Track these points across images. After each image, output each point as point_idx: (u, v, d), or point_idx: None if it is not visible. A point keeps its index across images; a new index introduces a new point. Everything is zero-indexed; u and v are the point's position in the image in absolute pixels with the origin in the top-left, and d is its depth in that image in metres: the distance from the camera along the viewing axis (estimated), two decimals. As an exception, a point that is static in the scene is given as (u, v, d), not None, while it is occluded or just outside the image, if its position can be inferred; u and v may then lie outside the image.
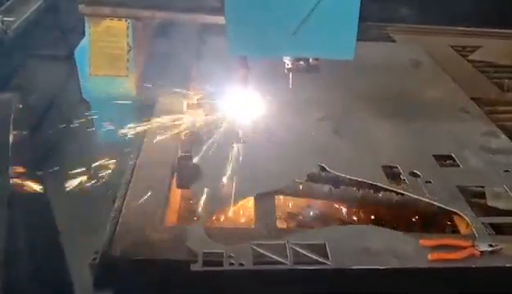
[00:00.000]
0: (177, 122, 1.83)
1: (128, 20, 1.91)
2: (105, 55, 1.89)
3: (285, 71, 1.58)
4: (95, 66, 1.89)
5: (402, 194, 1.55)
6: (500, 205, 1.53)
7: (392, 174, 1.66)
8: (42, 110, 2.47)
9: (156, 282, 1.27)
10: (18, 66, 3.11)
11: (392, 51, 2.76)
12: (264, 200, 1.49)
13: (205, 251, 1.25)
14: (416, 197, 1.52)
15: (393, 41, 2.93)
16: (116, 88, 1.94)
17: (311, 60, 1.70)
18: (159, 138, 1.75)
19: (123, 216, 1.39)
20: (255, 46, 1.52)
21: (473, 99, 2.22)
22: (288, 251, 1.26)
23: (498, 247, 1.29)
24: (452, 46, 2.86)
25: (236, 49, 1.53)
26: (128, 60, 1.93)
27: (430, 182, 1.59)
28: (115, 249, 1.27)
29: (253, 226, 1.41)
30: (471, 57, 2.75)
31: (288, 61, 1.55)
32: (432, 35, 3.01)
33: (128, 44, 1.92)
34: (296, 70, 1.55)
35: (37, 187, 1.39)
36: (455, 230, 1.50)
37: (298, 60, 1.53)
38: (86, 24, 1.92)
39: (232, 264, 1.21)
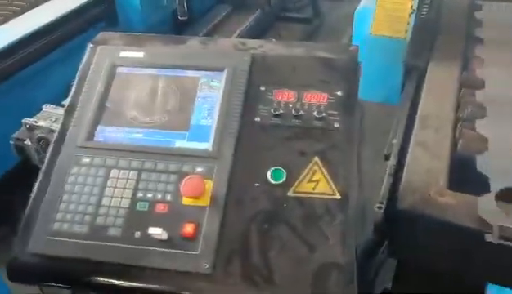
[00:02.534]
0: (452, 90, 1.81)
1: (415, -17, 1.92)
2: (388, 15, 1.95)
3: None
4: (377, 26, 1.97)
5: None
6: None
7: None
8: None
9: (437, 242, 1.34)
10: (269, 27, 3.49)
11: None
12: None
13: (500, 224, 1.25)
14: None
15: None
16: (391, 49, 2.00)
17: None
18: (433, 103, 1.77)
19: (406, 174, 1.47)
20: None
21: None
22: None
23: None
24: None
25: None
26: (408, 23, 1.95)
27: None
28: (403, 203, 1.37)
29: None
30: None
31: None
32: None
33: (411, 7, 1.93)
34: None
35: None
36: None
37: None
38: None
39: (533, 244, 1.19)
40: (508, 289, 1.29)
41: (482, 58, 1.96)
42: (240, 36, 2.82)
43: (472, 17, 2.29)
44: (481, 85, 1.81)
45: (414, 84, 1.97)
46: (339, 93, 1.21)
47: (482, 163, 1.46)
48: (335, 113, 1.18)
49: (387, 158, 1.64)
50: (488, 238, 1.23)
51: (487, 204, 1.31)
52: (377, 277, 1.64)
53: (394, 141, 1.70)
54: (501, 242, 1.22)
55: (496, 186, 1.37)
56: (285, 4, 3.76)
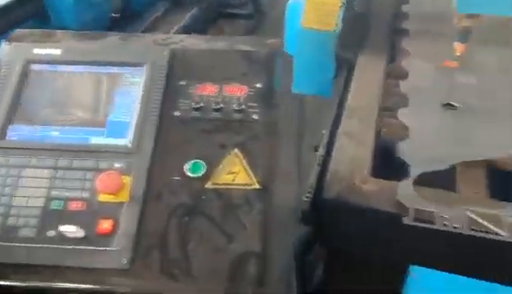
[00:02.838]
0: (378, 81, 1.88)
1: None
2: (318, 9, 1.99)
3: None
4: (307, 19, 2.00)
5: None
6: None
7: None
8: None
9: (361, 228, 1.39)
10: (207, 23, 3.50)
11: None
12: (473, 168, 1.48)
13: (417, 207, 1.31)
14: None
15: None
16: (322, 42, 2.05)
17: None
18: (361, 93, 1.83)
19: (333, 164, 1.51)
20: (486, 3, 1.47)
21: None
22: (504, 223, 1.25)
23: None
24: None
25: (464, 6, 1.50)
26: (338, 16, 2.00)
27: None
28: (329, 192, 1.41)
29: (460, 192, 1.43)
30: None
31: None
32: None
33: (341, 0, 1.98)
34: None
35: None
36: None
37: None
38: (305, -23, 2.03)
39: (446, 225, 1.26)
40: (428, 270, 1.35)
41: (408, 49, 2.05)
42: (178, 33, 2.79)
43: (400, 10, 2.39)
44: (405, 75, 1.89)
45: (344, 76, 2.03)
46: (258, 85, 1.23)
47: (403, 150, 1.52)
48: (255, 105, 1.20)
49: (316, 149, 1.68)
50: (405, 220, 1.29)
51: (405, 189, 1.38)
52: (317, 267, 1.68)
53: (323, 132, 1.74)
54: (417, 224, 1.28)
55: (414, 172, 1.43)
56: (227, 0, 3.76)
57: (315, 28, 2.07)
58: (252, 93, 1.22)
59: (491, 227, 1.24)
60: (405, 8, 2.38)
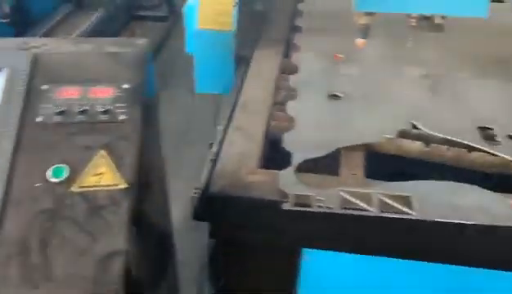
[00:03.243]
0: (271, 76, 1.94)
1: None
2: (212, 9, 2.01)
3: (408, 28, 1.60)
4: (202, 20, 2.03)
5: (497, 156, 1.53)
6: None
7: (488, 135, 1.63)
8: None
9: (248, 218, 1.42)
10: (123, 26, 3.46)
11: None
12: (354, 152, 1.56)
13: (296, 193, 1.36)
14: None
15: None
16: (220, 42, 2.08)
17: (436, 20, 1.70)
18: (254, 89, 1.88)
19: (222, 159, 1.54)
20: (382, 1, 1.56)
21: None
22: (374, 199, 1.33)
23: None
24: None
25: (361, 5, 1.59)
26: (232, 16, 2.04)
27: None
28: (214, 187, 1.43)
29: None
30: None
31: (412, 19, 1.56)
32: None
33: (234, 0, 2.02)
34: (418, 28, 1.56)
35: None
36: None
37: (423, 18, 1.54)
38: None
39: (321, 206, 1.31)
40: (319, 251, 1.40)
41: (299, 45, 2.13)
42: (83, 36, 2.74)
43: (296, 8, 2.47)
44: (295, 70, 1.96)
45: (242, 73, 2.08)
46: (125, 86, 1.22)
47: (287, 141, 1.58)
48: (122, 105, 1.19)
49: (211, 146, 1.70)
50: (285, 206, 1.34)
51: (286, 177, 1.43)
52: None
53: (219, 129, 1.77)
54: (297, 208, 1.33)
55: (296, 160, 1.49)
56: (139, 3, 3.73)
57: (211, 29, 2.10)
58: (119, 94, 1.21)
59: (363, 205, 1.31)
60: (300, 6, 2.47)
